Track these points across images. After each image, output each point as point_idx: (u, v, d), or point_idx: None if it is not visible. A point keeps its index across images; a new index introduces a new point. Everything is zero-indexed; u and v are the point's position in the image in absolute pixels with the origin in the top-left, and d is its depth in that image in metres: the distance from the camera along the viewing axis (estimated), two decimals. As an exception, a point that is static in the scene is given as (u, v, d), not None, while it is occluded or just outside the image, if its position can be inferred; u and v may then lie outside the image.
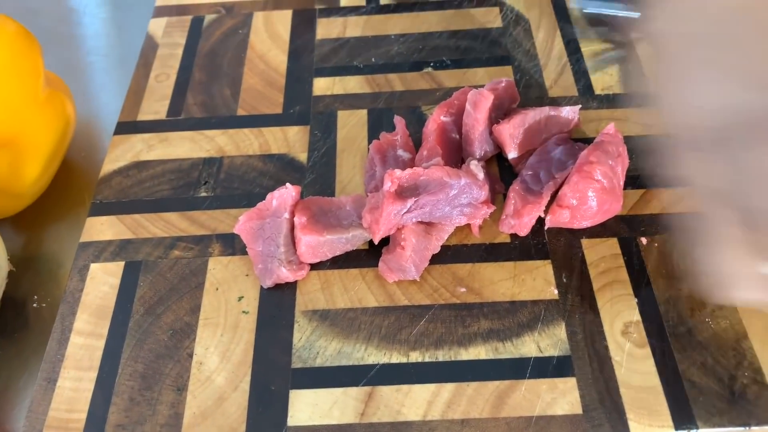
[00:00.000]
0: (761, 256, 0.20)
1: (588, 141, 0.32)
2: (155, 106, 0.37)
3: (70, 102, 0.36)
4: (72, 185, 0.36)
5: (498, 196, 0.31)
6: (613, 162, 0.29)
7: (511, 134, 0.31)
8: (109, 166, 0.34)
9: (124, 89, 0.38)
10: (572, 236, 0.30)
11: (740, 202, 0.19)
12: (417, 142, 0.33)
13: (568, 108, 0.32)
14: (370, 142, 0.34)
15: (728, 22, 0.18)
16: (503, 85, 0.33)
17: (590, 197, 0.29)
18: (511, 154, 0.32)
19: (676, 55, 0.19)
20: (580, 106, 0.32)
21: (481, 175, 0.29)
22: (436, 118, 0.32)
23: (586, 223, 0.29)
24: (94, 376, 0.27)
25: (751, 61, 0.17)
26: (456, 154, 0.32)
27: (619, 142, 0.30)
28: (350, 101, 0.36)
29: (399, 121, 0.33)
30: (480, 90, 0.31)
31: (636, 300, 0.28)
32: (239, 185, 0.33)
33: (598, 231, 0.30)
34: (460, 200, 0.29)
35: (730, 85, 0.18)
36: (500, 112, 0.33)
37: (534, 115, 0.32)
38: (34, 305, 0.32)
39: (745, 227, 0.20)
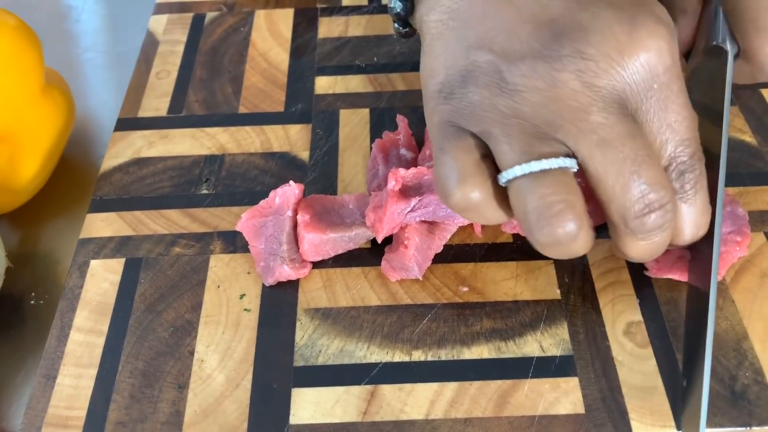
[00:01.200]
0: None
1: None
2: (156, 102, 0.37)
3: (70, 98, 0.36)
4: (70, 182, 0.36)
5: None
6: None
7: None
8: (109, 162, 0.34)
9: (123, 86, 0.38)
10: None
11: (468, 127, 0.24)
12: (419, 141, 0.33)
13: None
14: (372, 141, 0.34)
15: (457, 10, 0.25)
16: None
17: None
18: None
19: (428, 34, 0.27)
20: None
21: None
22: None
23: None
24: (94, 373, 0.27)
25: (469, 31, 0.25)
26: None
27: None
28: (352, 100, 0.36)
29: (402, 120, 0.33)
30: None
31: (638, 300, 0.28)
32: (241, 183, 0.33)
33: (600, 231, 0.30)
34: None
35: (456, 48, 0.25)
36: None
37: None
38: (32, 302, 0.31)
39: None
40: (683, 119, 0.24)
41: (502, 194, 0.24)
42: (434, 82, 0.26)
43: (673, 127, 0.24)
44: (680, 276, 0.28)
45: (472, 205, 0.24)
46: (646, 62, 0.23)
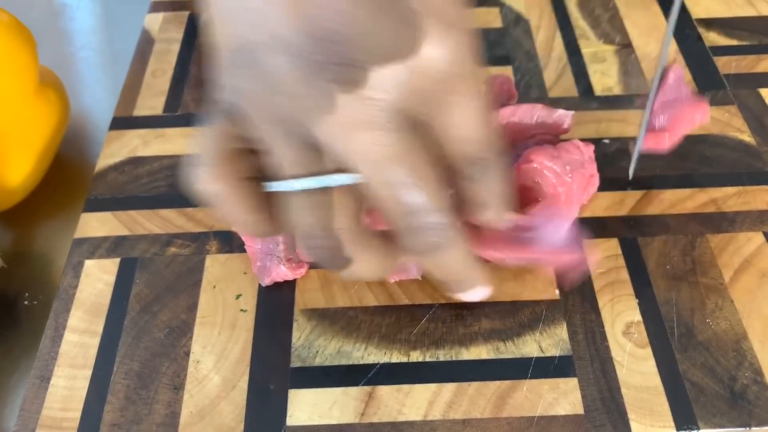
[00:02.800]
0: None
1: (584, 142, 0.32)
2: (151, 101, 0.36)
3: (64, 97, 0.36)
4: (65, 181, 0.36)
5: None
6: (569, 168, 0.29)
7: (498, 125, 0.31)
8: (104, 161, 0.34)
9: (118, 85, 0.38)
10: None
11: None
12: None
13: (561, 111, 0.32)
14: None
15: None
16: (498, 81, 0.33)
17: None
18: None
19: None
20: (573, 112, 0.32)
21: None
22: None
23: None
24: (88, 375, 0.26)
25: None
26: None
27: (589, 161, 0.30)
28: (349, 99, 0.36)
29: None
30: None
31: (637, 300, 0.28)
32: (237, 182, 0.33)
33: (599, 231, 0.30)
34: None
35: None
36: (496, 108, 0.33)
37: (525, 110, 0.31)
38: (26, 302, 0.31)
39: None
40: (473, 125, 0.22)
41: (262, 200, 0.23)
42: (229, 44, 0.22)
43: (462, 132, 0.22)
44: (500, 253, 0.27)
45: (219, 196, 0.22)
46: (428, 73, 0.21)
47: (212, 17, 0.22)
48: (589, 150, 0.30)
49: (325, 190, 0.22)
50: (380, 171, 0.21)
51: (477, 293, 0.26)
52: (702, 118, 0.30)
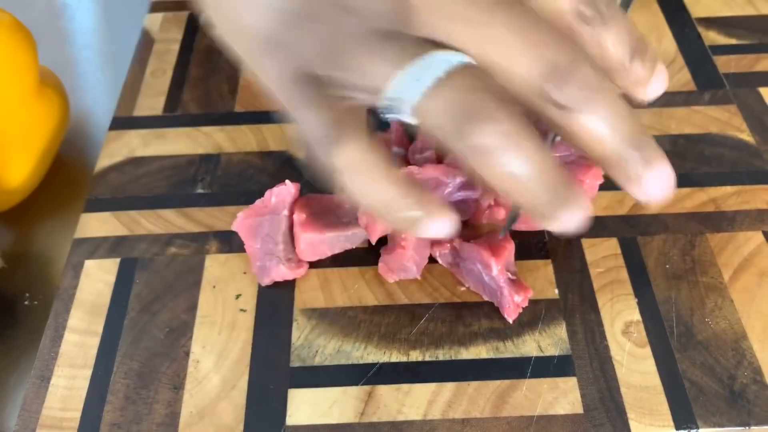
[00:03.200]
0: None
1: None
2: (151, 101, 0.36)
3: (64, 97, 0.36)
4: (65, 181, 0.36)
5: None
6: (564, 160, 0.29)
7: None
8: (104, 161, 0.34)
9: (118, 85, 0.38)
10: (572, 236, 0.30)
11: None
12: (413, 139, 0.33)
13: None
14: (369, 140, 0.33)
15: None
16: None
17: None
18: None
19: None
20: None
21: None
22: None
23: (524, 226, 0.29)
24: (88, 374, 0.27)
25: None
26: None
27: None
28: (349, 99, 0.36)
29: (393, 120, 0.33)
30: None
31: (636, 300, 0.28)
32: (237, 182, 0.33)
33: (598, 231, 0.30)
34: (455, 197, 0.29)
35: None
36: None
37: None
38: (26, 302, 0.31)
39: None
40: None
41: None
42: (248, 36, 0.21)
43: None
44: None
45: (363, 161, 0.19)
46: None
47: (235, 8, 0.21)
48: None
49: (447, 77, 0.18)
50: (492, 35, 0.19)
51: (567, 219, 0.20)
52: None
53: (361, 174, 0.20)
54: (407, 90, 0.19)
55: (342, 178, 0.20)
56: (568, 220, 0.20)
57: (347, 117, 0.20)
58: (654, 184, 0.20)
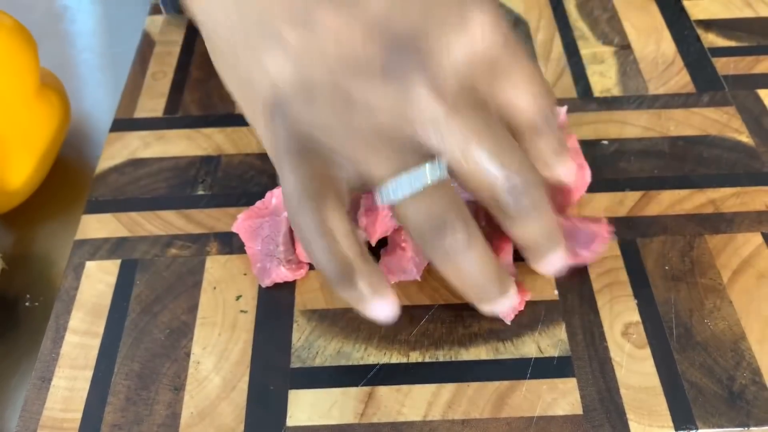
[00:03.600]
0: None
1: (583, 143, 0.32)
2: (152, 103, 0.37)
3: (65, 99, 0.36)
4: (65, 183, 0.36)
5: None
6: None
7: None
8: (105, 163, 0.34)
9: (118, 87, 0.38)
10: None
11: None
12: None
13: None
14: (369, 141, 0.34)
15: None
16: None
17: None
18: None
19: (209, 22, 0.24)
20: (566, 107, 0.32)
21: None
22: None
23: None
24: (89, 375, 0.27)
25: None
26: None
27: (575, 152, 0.30)
28: (349, 101, 0.36)
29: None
30: None
31: (635, 301, 0.28)
32: (237, 184, 0.33)
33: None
34: None
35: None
36: None
37: None
38: (26, 304, 0.31)
39: None
40: (531, 87, 0.24)
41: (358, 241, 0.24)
42: (256, 96, 0.23)
43: (524, 97, 0.24)
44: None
45: (327, 229, 0.22)
46: (481, 45, 0.23)
47: (239, 71, 0.24)
48: (571, 140, 0.30)
49: (431, 188, 0.23)
50: (468, 148, 0.23)
51: (502, 304, 0.26)
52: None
53: (316, 242, 0.23)
54: (393, 194, 0.23)
55: (302, 238, 0.23)
56: (503, 304, 0.26)
57: (325, 190, 0.23)
58: (546, 268, 0.27)
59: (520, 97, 0.24)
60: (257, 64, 0.23)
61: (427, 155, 0.23)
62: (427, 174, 0.22)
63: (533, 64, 0.25)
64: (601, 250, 0.28)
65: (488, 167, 0.23)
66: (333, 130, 0.23)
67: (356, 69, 0.22)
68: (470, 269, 0.24)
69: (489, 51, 0.23)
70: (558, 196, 0.29)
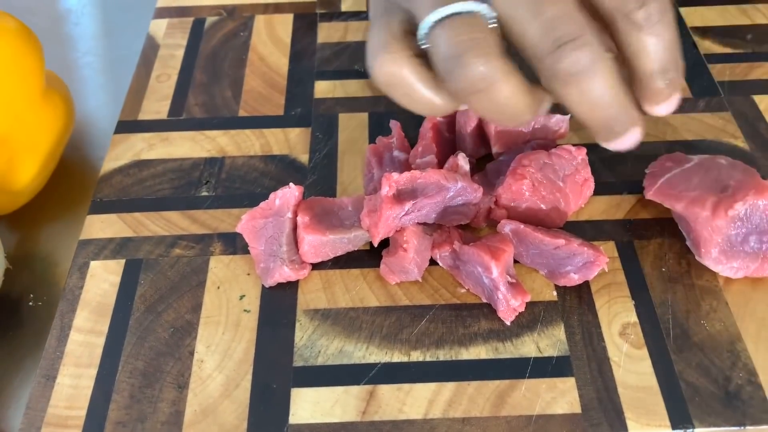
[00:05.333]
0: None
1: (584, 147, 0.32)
2: (156, 105, 0.37)
3: (69, 101, 0.36)
4: (69, 184, 0.36)
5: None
6: (562, 175, 0.30)
7: (496, 128, 0.32)
8: (109, 164, 0.34)
9: (121, 90, 0.38)
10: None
11: None
12: (413, 143, 0.33)
13: (557, 116, 0.32)
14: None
15: None
16: None
17: (524, 199, 0.29)
18: (495, 148, 0.32)
19: None
20: (569, 116, 0.33)
21: (466, 167, 0.29)
22: (432, 118, 0.33)
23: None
24: (93, 374, 0.27)
25: None
26: (450, 152, 0.32)
27: (582, 164, 0.30)
28: (351, 104, 0.37)
29: (395, 125, 0.33)
30: None
31: (633, 302, 0.28)
32: (240, 185, 0.33)
33: (596, 234, 0.31)
34: (456, 202, 0.29)
35: None
36: None
37: None
38: (30, 303, 0.31)
39: None
40: None
41: (434, 76, 0.24)
42: None
43: None
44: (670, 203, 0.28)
45: (395, 77, 0.23)
46: None
47: None
48: (581, 153, 0.30)
49: (457, 18, 0.22)
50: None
51: (630, 138, 0.24)
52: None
53: (397, 89, 0.24)
54: (429, 19, 0.23)
55: (382, 88, 0.24)
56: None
57: (386, 38, 0.24)
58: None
59: None
60: None
61: None
62: (461, 6, 0.22)
63: None
64: (592, 277, 0.28)
65: (527, 17, 0.22)
66: None
67: None
68: (501, 107, 0.22)
69: None
70: (554, 211, 0.30)
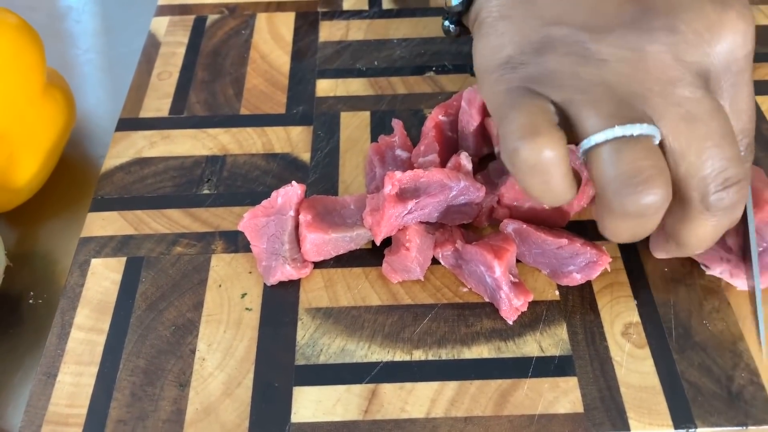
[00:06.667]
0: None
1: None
2: (157, 103, 0.37)
3: (70, 98, 0.36)
4: (69, 181, 0.36)
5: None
6: None
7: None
8: (110, 162, 0.34)
9: (122, 87, 0.38)
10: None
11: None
12: (415, 143, 0.33)
13: None
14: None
15: None
16: None
17: (526, 198, 0.29)
18: (497, 147, 0.32)
19: (488, 17, 0.27)
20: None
21: (469, 166, 0.29)
22: (435, 116, 0.33)
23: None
24: (95, 371, 0.27)
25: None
26: (452, 151, 0.33)
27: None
28: (353, 103, 0.36)
29: (397, 123, 0.33)
30: (475, 87, 0.32)
31: (635, 302, 0.28)
32: (242, 183, 0.33)
33: (598, 234, 0.30)
34: (459, 201, 0.29)
35: (525, 26, 0.26)
36: None
37: None
38: (30, 301, 0.31)
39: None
40: (748, 108, 0.25)
41: (572, 171, 0.24)
42: (499, 56, 0.25)
43: (740, 112, 0.25)
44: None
45: (542, 162, 0.23)
46: (732, 43, 0.24)
47: (496, 23, 0.26)
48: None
49: (635, 140, 0.22)
50: (693, 124, 0.23)
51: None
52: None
53: (537, 174, 0.23)
54: (598, 137, 0.23)
55: (520, 173, 0.23)
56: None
57: (540, 122, 0.23)
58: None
59: (740, 114, 0.24)
60: (504, 38, 0.26)
61: (642, 119, 0.23)
62: (637, 129, 0.22)
63: (752, 98, 0.25)
64: (594, 276, 0.28)
65: (705, 153, 0.23)
66: (554, 79, 0.24)
67: (599, 27, 0.24)
68: (641, 232, 0.24)
69: (739, 56, 0.24)
70: (556, 211, 0.30)
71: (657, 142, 0.23)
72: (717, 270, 0.29)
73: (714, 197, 0.23)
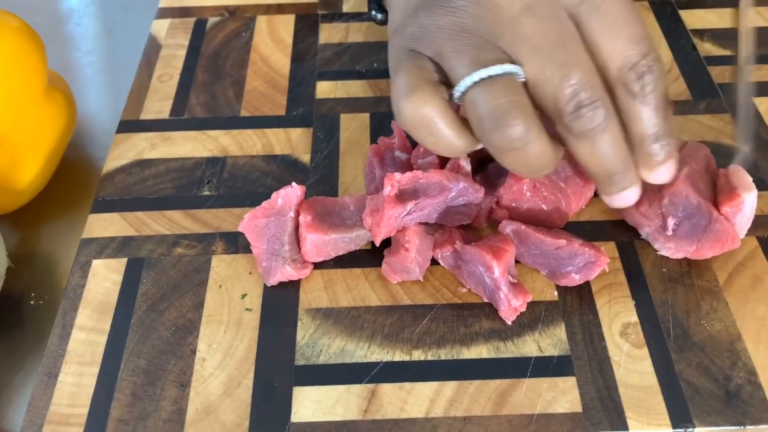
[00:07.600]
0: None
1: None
2: (158, 105, 0.37)
3: (72, 100, 0.36)
4: (70, 183, 0.36)
5: None
6: (564, 176, 0.30)
7: None
8: (111, 163, 0.34)
9: (123, 89, 0.38)
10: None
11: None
12: (416, 144, 0.34)
13: None
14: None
15: None
16: None
17: (525, 199, 0.30)
18: None
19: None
20: None
21: (468, 167, 0.29)
22: None
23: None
24: (96, 372, 0.27)
25: None
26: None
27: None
28: (353, 105, 0.37)
29: (396, 125, 0.34)
30: None
31: (634, 302, 0.28)
32: (242, 185, 0.33)
33: (597, 235, 0.31)
34: (458, 202, 0.29)
35: None
36: None
37: None
38: (32, 302, 0.31)
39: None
40: (623, 17, 0.25)
41: (459, 120, 0.25)
42: (392, 25, 0.28)
43: (615, 24, 0.25)
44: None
45: (424, 118, 0.25)
46: None
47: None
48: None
49: (496, 79, 0.24)
50: (540, 55, 0.24)
51: (629, 195, 0.27)
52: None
53: (423, 130, 0.25)
54: (466, 82, 0.25)
55: (407, 129, 0.26)
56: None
57: (416, 80, 0.25)
58: (617, 203, 0.28)
59: (610, 40, 0.25)
60: (397, 5, 0.29)
61: (503, 60, 0.24)
62: (495, 69, 0.24)
63: (631, 7, 0.25)
64: (593, 277, 0.29)
65: (561, 76, 0.24)
66: (427, 33, 0.26)
67: None
68: (530, 163, 0.25)
69: None
70: (555, 212, 0.30)
71: (523, 78, 0.25)
72: (644, 232, 0.30)
73: (569, 120, 0.24)
